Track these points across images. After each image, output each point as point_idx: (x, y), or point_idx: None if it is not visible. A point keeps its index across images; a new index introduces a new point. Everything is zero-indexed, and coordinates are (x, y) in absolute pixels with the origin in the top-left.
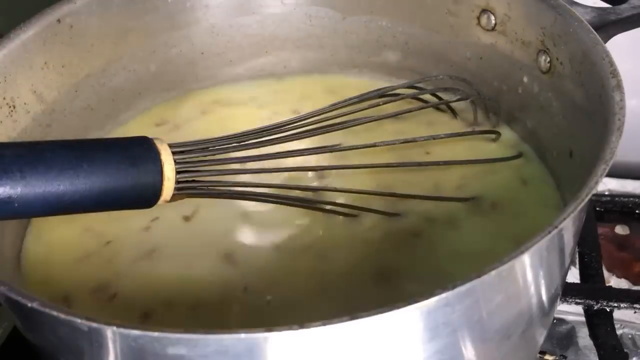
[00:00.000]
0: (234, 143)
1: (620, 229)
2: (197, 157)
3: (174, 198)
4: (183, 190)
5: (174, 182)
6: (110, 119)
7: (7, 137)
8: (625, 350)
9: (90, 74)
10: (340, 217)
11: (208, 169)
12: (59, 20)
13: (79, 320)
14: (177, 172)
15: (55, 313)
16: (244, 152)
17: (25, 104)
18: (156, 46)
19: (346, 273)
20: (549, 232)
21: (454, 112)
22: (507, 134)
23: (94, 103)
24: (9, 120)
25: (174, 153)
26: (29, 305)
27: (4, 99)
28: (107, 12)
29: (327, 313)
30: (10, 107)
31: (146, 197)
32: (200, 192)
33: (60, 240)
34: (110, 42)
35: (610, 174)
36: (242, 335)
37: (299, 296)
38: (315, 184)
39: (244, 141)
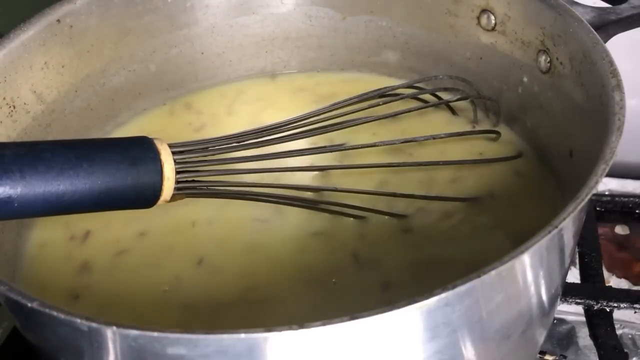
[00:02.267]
0: (233, 143)
1: (620, 229)
2: (197, 157)
3: (173, 198)
4: (183, 190)
5: (174, 182)
6: (110, 119)
7: (7, 137)
8: (625, 350)
9: (90, 74)
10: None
11: (208, 169)
12: (58, 21)
13: (78, 320)
14: (177, 172)
15: (55, 313)
16: (243, 152)
17: (25, 104)
18: (156, 46)
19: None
20: (549, 232)
21: (453, 112)
22: (507, 133)
23: (94, 103)
24: (9, 120)
25: (173, 153)
26: (29, 305)
27: (4, 99)
28: (107, 12)
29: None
30: (10, 107)
31: (146, 197)
32: (200, 192)
33: (60, 240)
34: (110, 42)
35: (610, 174)
36: (242, 335)
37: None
38: (315, 183)
39: (244, 141)
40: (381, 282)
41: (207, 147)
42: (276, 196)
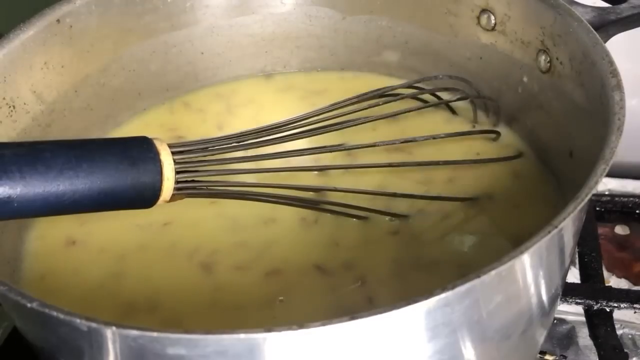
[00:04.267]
0: (233, 143)
1: (620, 229)
2: (197, 157)
3: (173, 198)
4: (182, 190)
5: (174, 182)
6: (110, 119)
7: (6, 137)
8: (625, 350)
9: (90, 74)
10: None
11: (208, 169)
12: (58, 21)
13: (78, 321)
14: (177, 172)
15: (54, 313)
16: (243, 152)
17: (25, 104)
18: (156, 46)
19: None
20: (549, 232)
21: (453, 111)
22: (506, 133)
23: (94, 103)
24: (9, 120)
25: (173, 153)
26: (29, 305)
27: (4, 99)
28: (107, 12)
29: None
30: (10, 107)
31: (146, 197)
32: (200, 192)
33: (61, 240)
34: (110, 42)
35: (610, 174)
36: (242, 336)
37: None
38: (315, 184)
39: (244, 141)
40: (356, 277)
41: (207, 147)
42: (276, 196)
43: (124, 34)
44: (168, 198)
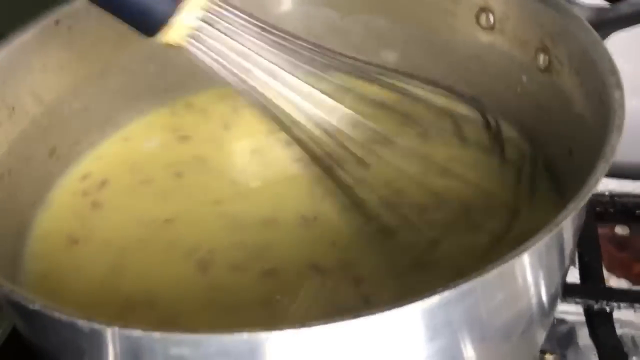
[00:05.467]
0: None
1: (620, 229)
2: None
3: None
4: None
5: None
6: (110, 120)
7: (5, 139)
8: (625, 350)
9: (89, 75)
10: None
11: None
12: (57, 22)
13: (80, 321)
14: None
15: (56, 314)
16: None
17: (24, 105)
18: (155, 46)
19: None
20: (550, 231)
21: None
22: (506, 133)
23: (94, 105)
24: (8, 122)
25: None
26: (31, 307)
27: (3, 100)
28: (106, 13)
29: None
30: (9, 109)
31: (152, 19)
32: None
33: (62, 239)
34: (109, 43)
35: (610, 174)
36: (245, 336)
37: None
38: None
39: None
40: (353, 277)
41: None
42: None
43: (123, 35)
44: (172, 41)
